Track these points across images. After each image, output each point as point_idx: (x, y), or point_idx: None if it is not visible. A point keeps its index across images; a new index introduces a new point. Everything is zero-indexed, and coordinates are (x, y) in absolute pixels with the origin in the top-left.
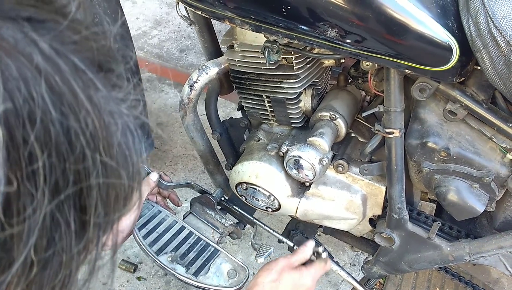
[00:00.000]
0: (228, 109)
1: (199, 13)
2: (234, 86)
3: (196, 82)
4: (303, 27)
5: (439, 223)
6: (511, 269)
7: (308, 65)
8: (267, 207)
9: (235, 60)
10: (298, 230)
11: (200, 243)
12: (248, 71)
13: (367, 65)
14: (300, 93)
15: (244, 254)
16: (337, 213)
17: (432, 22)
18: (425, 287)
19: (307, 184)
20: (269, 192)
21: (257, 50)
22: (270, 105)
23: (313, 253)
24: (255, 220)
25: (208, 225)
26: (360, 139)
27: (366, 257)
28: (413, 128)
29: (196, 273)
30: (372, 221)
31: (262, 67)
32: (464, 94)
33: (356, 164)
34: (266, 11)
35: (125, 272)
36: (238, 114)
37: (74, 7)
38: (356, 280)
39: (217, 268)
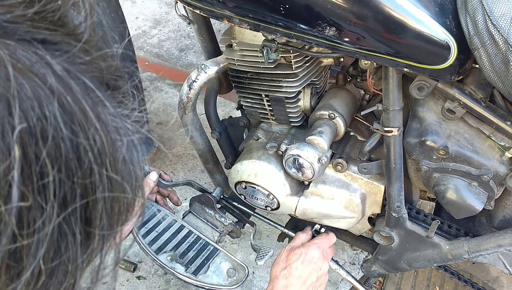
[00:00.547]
0: (227, 108)
1: (198, 12)
2: (233, 85)
3: (195, 81)
4: (301, 26)
5: (438, 222)
6: (510, 268)
7: (307, 64)
8: (266, 206)
9: (234, 59)
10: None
11: (199, 242)
12: (247, 70)
13: (365, 64)
14: (299, 92)
15: (243, 253)
16: (336, 211)
17: (430, 20)
18: (425, 286)
19: (306, 183)
20: (268, 191)
21: (255, 49)
22: (269, 104)
23: (313, 234)
24: (255, 214)
25: (208, 224)
26: (359, 138)
27: (366, 256)
28: (411, 126)
29: (195, 272)
30: (371, 220)
31: (261, 66)
32: (462, 92)
33: (355, 162)
34: (265, 10)
35: (124, 271)
36: (238, 113)
37: (85, 30)
38: (355, 279)
39: (216, 267)
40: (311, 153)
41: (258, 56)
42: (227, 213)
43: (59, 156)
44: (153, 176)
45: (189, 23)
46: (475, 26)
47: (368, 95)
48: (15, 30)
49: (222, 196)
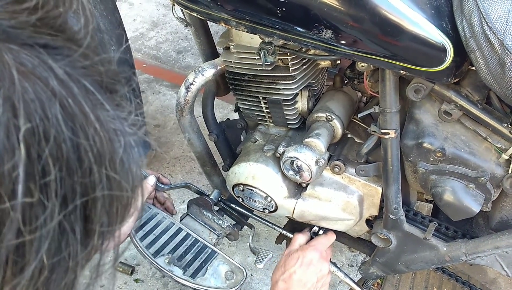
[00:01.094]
0: (225, 110)
1: (195, 14)
2: (231, 87)
3: (193, 84)
4: (298, 28)
5: (435, 224)
6: (507, 269)
7: (304, 66)
8: (264, 209)
9: (231, 61)
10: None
11: (197, 245)
12: (244, 72)
13: (362, 66)
14: (296, 94)
15: (242, 255)
16: (333, 214)
17: (426, 23)
18: (423, 288)
19: (304, 185)
20: (266, 193)
21: (253, 51)
22: (267, 106)
23: (311, 236)
24: (253, 216)
25: (205, 227)
26: (356, 140)
27: (364, 258)
28: (408, 128)
29: (193, 275)
30: (369, 222)
31: (258, 69)
32: (459, 94)
33: (352, 165)
34: (261, 12)
35: (122, 274)
36: (236, 115)
37: (85, 36)
38: (353, 281)
39: (214, 270)
40: (308, 155)
41: (255, 58)
42: (225, 215)
43: (60, 155)
44: (151, 180)
45: (186, 26)
46: (471, 28)
47: (366, 97)
48: (18, 35)
49: (220, 199)
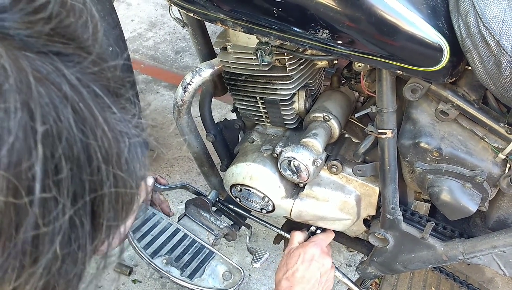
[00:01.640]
0: (223, 110)
1: (192, 15)
2: (228, 87)
3: (190, 84)
4: (294, 28)
5: (432, 223)
6: (504, 269)
7: (301, 66)
8: (261, 209)
9: (228, 61)
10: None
11: (195, 245)
12: (242, 72)
13: (359, 66)
14: (294, 94)
15: (240, 255)
16: (331, 214)
17: (423, 23)
18: (421, 287)
19: (301, 185)
20: (263, 193)
21: (250, 51)
22: (264, 106)
23: (309, 235)
24: (251, 216)
25: (203, 227)
26: (354, 140)
27: (362, 258)
28: (405, 128)
29: (191, 276)
30: (367, 222)
31: (255, 69)
32: (455, 94)
33: (350, 164)
34: (258, 13)
35: (120, 275)
36: (234, 116)
37: (93, 43)
38: (351, 281)
39: (212, 270)
40: (306, 155)
41: (252, 58)
42: (222, 216)
43: (71, 155)
44: (149, 181)
45: (183, 26)
46: (467, 28)
47: (363, 97)
48: (34, 43)
49: (217, 199)
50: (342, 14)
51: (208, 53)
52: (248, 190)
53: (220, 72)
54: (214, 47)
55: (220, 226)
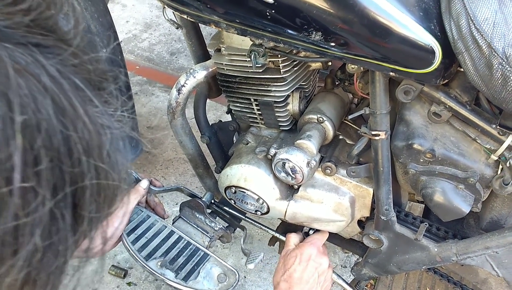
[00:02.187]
0: (219, 112)
1: (185, 17)
2: (222, 89)
3: (184, 86)
4: (288, 30)
5: (426, 224)
6: (497, 269)
7: (295, 68)
8: (256, 211)
9: (222, 63)
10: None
11: (189, 248)
12: (236, 74)
13: (352, 68)
14: (288, 96)
15: (235, 257)
16: (325, 215)
17: (415, 25)
18: (416, 288)
19: (296, 187)
20: (258, 195)
21: (244, 53)
22: (258, 108)
23: (303, 237)
24: (246, 219)
25: (198, 229)
26: (348, 141)
27: (357, 259)
28: (398, 130)
29: (185, 278)
30: (361, 223)
31: (249, 71)
32: (448, 96)
33: (344, 166)
34: (251, 14)
35: (115, 278)
36: (229, 117)
37: (74, 36)
38: (346, 282)
39: (207, 273)
40: (300, 157)
41: (246, 60)
42: (217, 218)
43: (51, 146)
44: (143, 184)
45: (177, 28)
46: (459, 30)
47: (357, 99)
48: (13, 35)
49: (212, 201)
50: (335, 16)
51: (202, 55)
52: (243, 192)
53: (214, 74)
54: (208, 49)
55: (215, 228)
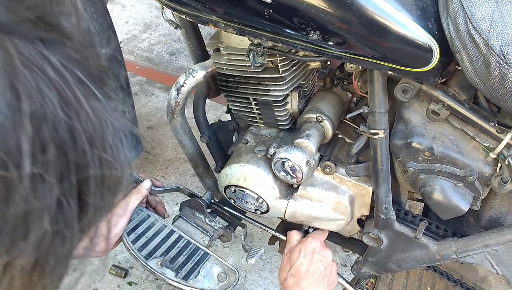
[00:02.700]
0: (218, 111)
1: (184, 17)
2: (221, 89)
3: (183, 86)
4: (286, 30)
5: (425, 223)
6: (497, 267)
7: (294, 68)
8: (256, 210)
9: (221, 63)
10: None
11: (189, 247)
12: (235, 74)
13: (351, 67)
14: (287, 95)
15: (235, 256)
16: (325, 214)
17: (412, 24)
18: (416, 286)
19: (295, 185)
20: (257, 194)
21: (242, 53)
22: (257, 107)
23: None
24: (246, 218)
25: (198, 229)
26: (347, 140)
27: (357, 258)
28: (397, 128)
29: (186, 277)
30: (361, 222)
31: (248, 70)
32: (446, 94)
33: (343, 165)
34: (249, 14)
35: (115, 277)
36: (229, 117)
37: (77, 32)
38: (346, 281)
39: (207, 272)
40: (299, 156)
41: (245, 60)
42: (217, 217)
43: (57, 136)
44: (146, 184)
45: (176, 28)
46: (457, 29)
47: (356, 98)
48: (20, 30)
49: (212, 200)
50: (333, 15)
51: (201, 55)
52: (242, 191)
53: (213, 74)
54: (207, 49)
55: (215, 227)
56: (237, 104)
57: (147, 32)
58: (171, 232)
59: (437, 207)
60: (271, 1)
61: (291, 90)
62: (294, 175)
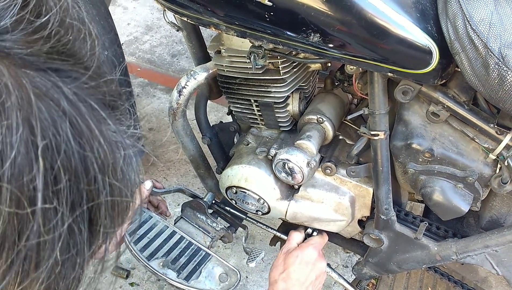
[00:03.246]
0: (220, 113)
1: (185, 19)
2: (223, 90)
3: (185, 88)
4: (286, 32)
5: (426, 223)
6: (497, 268)
7: (295, 69)
8: (257, 211)
9: (222, 65)
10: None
11: (191, 248)
12: (236, 76)
13: (351, 69)
14: (288, 96)
15: (237, 258)
16: (326, 215)
17: (412, 26)
18: (417, 287)
19: (296, 187)
20: (258, 195)
21: (243, 55)
22: (258, 109)
23: (305, 237)
24: (247, 218)
25: (199, 230)
26: (348, 142)
27: (358, 259)
28: (397, 130)
29: (187, 278)
30: (361, 223)
31: (249, 72)
32: (446, 96)
33: (343, 166)
34: (250, 17)
35: (117, 278)
36: (230, 119)
37: (91, 59)
38: (347, 282)
39: (208, 272)
40: (300, 157)
41: (246, 62)
42: (219, 218)
43: (69, 166)
44: (147, 185)
45: (177, 30)
46: (456, 31)
47: (356, 99)
48: (33, 61)
49: (213, 201)
50: (333, 18)
51: (202, 57)
52: (244, 192)
53: (214, 75)
54: (208, 51)
55: (216, 228)
56: (238, 105)
57: (148, 34)
58: (173, 233)
59: (437, 208)
60: (271, 4)
61: (292, 92)
62: (295, 176)
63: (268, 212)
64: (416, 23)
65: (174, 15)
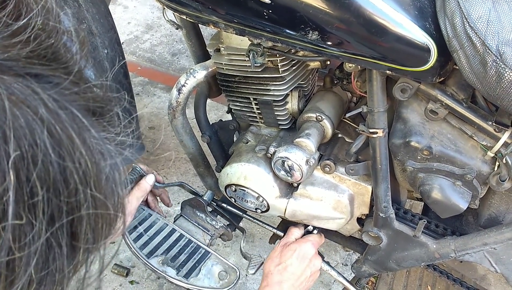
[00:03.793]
0: (220, 112)
1: (185, 17)
2: (222, 89)
3: (184, 86)
4: (285, 30)
5: (424, 221)
6: (495, 266)
7: (294, 67)
8: (256, 209)
9: (222, 63)
10: None
11: (190, 245)
12: (235, 74)
13: (350, 67)
14: (287, 95)
15: (237, 256)
16: (325, 213)
17: (410, 23)
18: (417, 285)
19: (295, 184)
20: (257, 193)
21: (243, 53)
22: (258, 107)
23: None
24: (246, 216)
25: (199, 227)
26: (347, 140)
27: (358, 257)
28: (396, 127)
29: (187, 275)
30: (361, 221)
31: (248, 70)
32: (444, 93)
33: (342, 164)
34: (249, 15)
35: (117, 276)
36: (230, 117)
37: (76, 62)
38: (347, 280)
39: (208, 270)
40: (299, 155)
41: (245, 60)
42: (218, 216)
43: (47, 178)
44: (150, 179)
45: (177, 28)
46: (454, 28)
47: (355, 97)
48: (11, 66)
49: (213, 199)
50: (331, 16)
51: (202, 55)
52: (243, 190)
53: (214, 74)
54: (208, 49)
55: (216, 226)
56: (238, 103)
57: (149, 33)
58: (172, 231)
59: (435, 206)
60: (270, 2)
61: (291, 90)
62: (293, 174)
63: (267, 210)
64: (414, 21)
65: (173, 13)
